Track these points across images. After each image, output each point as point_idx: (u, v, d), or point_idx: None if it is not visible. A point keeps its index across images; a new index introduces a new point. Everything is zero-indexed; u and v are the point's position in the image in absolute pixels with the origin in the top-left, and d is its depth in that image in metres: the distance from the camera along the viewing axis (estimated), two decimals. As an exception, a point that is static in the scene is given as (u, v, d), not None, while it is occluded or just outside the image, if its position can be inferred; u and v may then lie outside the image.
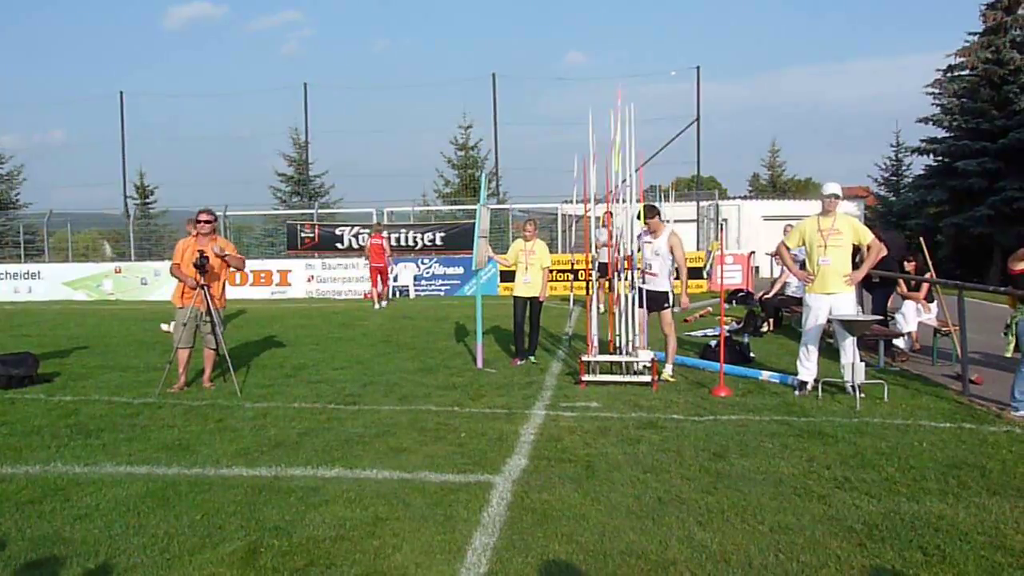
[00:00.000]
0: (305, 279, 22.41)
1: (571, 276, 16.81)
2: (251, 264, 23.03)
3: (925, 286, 10.15)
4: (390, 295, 20.04)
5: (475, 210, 10.98)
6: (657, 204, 8.87)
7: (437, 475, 5.33)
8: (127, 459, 5.80)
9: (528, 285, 9.86)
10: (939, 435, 6.16)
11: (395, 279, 21.55)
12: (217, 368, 8.81)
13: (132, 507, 4.77)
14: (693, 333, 12.37)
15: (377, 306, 18.41)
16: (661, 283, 8.71)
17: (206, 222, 8.43)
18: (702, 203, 25.83)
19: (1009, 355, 7.63)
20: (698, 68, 27.07)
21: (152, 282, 22.46)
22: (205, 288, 8.31)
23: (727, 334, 9.89)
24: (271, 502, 4.83)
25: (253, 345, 11.82)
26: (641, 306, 8.65)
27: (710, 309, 15.31)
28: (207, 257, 8.17)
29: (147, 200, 34.15)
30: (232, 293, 22.01)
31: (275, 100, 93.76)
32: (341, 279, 22.17)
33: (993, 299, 13.76)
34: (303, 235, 23.37)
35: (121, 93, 30.17)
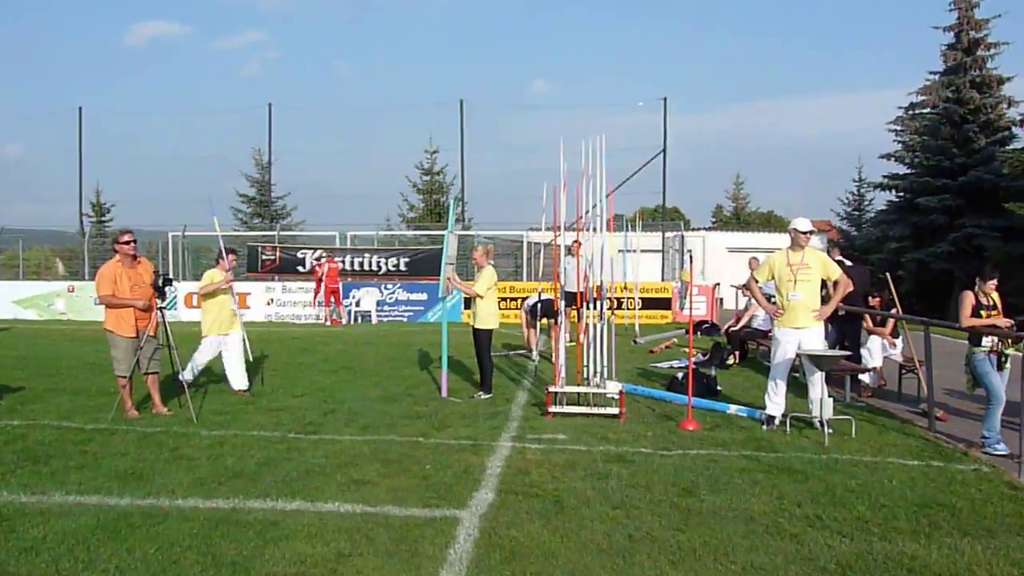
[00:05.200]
0: (264, 303, 22.10)
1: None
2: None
3: (891, 321, 10.29)
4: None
5: (438, 236, 10.95)
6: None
7: (401, 509, 5.23)
8: (77, 488, 5.62)
9: (469, 314, 9.62)
10: (908, 473, 6.21)
11: (357, 303, 21.69)
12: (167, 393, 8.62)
13: (81, 540, 4.60)
14: (659, 364, 12.39)
15: (329, 323, 20.70)
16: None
17: (134, 241, 8.23)
18: (667, 234, 26.05)
19: (969, 393, 7.83)
20: (665, 99, 27.50)
21: (105, 302, 22.00)
22: (162, 311, 8.16)
23: (694, 366, 9.92)
24: (228, 536, 4.69)
25: (209, 370, 11.55)
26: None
27: (675, 340, 15.37)
28: (171, 278, 8.00)
29: (103, 219, 33.64)
30: (187, 315, 21.82)
31: (238, 120, 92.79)
32: (302, 303, 21.91)
33: (956, 335, 14.00)
34: (264, 257, 23.10)
35: (80, 108, 29.79)
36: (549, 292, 12.78)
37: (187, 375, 9.14)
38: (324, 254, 22.22)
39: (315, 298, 21.17)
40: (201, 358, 9.59)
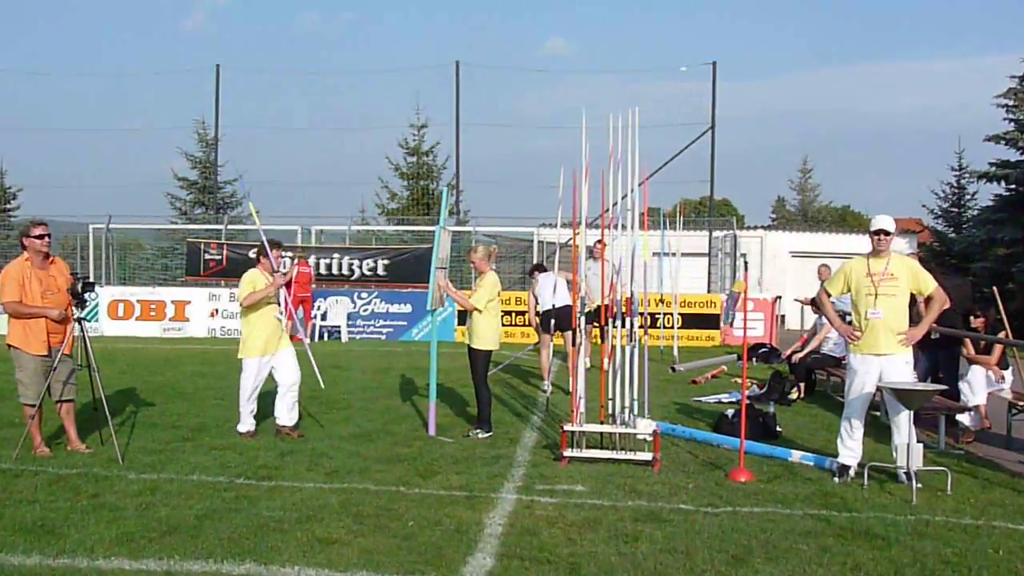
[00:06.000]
0: (208, 313, 22.23)
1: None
2: (139, 292, 22.88)
3: (997, 348, 10.26)
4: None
5: (427, 232, 10.99)
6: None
7: (377, 576, 5.26)
8: (-29, 545, 5.65)
9: (464, 331, 9.66)
10: (1018, 540, 6.21)
11: (324, 316, 21.93)
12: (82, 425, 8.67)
13: (-24, 610, 4.64)
14: (704, 398, 12.42)
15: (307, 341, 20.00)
16: None
17: (48, 235, 8.20)
18: (716, 233, 25.99)
19: None
20: (714, 64, 27.43)
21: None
22: (81, 323, 8.18)
23: (748, 401, 9.93)
24: (160, 607, 4.72)
25: (139, 397, 11.64)
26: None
27: (724, 368, 15.39)
28: (92, 282, 8.02)
29: (8, 207, 33.82)
30: (110, 329, 21.93)
31: (177, 85, 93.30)
32: (254, 314, 22.00)
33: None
34: (207, 257, 23.24)
35: (-23, 69, 29.99)
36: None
37: (243, 426, 9.25)
38: (293, 255, 22.32)
39: (286, 308, 21.16)
40: (246, 394, 9.26)
